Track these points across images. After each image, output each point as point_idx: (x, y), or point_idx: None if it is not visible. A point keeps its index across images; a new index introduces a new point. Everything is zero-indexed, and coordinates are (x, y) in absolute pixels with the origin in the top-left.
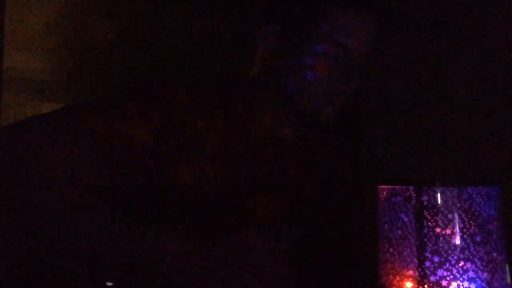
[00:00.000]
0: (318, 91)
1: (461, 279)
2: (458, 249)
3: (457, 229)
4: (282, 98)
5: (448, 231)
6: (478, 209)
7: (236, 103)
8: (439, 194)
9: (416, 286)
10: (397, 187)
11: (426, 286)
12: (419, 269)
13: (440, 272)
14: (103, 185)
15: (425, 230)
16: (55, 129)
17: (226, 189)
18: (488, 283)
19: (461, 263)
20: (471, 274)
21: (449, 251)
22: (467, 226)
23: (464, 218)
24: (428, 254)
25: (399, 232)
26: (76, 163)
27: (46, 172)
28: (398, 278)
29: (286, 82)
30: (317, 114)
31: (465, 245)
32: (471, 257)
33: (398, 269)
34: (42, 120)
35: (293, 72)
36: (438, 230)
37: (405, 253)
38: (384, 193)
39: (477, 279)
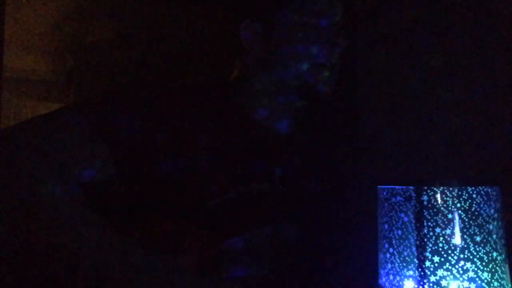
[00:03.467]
0: (311, 62)
1: (461, 279)
2: (458, 249)
3: (457, 229)
4: (276, 91)
5: (448, 231)
6: (478, 209)
7: (230, 101)
8: (439, 194)
9: (416, 286)
10: (397, 187)
11: (426, 286)
12: (419, 269)
13: (440, 272)
14: (95, 181)
15: (425, 230)
16: (50, 127)
17: (221, 187)
18: (488, 283)
19: (461, 263)
20: (471, 274)
21: (449, 251)
22: (467, 226)
23: (464, 218)
24: (428, 254)
25: (399, 232)
26: (69, 160)
27: (40, 170)
28: (398, 278)
29: (279, 69)
30: (317, 88)
31: (465, 245)
32: (471, 257)
33: (398, 269)
34: (37, 121)
35: (282, 56)
36: (438, 230)
37: (405, 253)
38: (384, 193)
39: (477, 279)
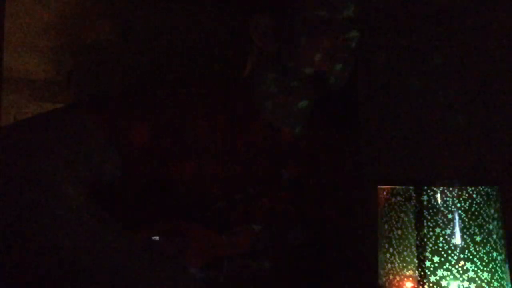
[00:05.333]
0: (324, 56)
1: (461, 279)
2: (458, 249)
3: (457, 229)
4: (287, 90)
5: (448, 231)
6: (478, 209)
7: (237, 101)
8: (439, 194)
9: (416, 286)
10: (397, 187)
11: (426, 286)
12: (419, 269)
13: (440, 272)
14: (104, 183)
15: (425, 230)
16: (57, 127)
17: (229, 188)
18: (488, 283)
19: (461, 263)
20: (471, 274)
21: (449, 251)
22: (467, 226)
23: (464, 218)
24: (428, 254)
25: (399, 232)
26: (77, 162)
27: (47, 171)
28: (398, 278)
29: (291, 64)
30: (329, 81)
31: (465, 245)
32: (471, 257)
33: (398, 269)
34: (44, 119)
35: (294, 51)
36: (438, 230)
37: (405, 253)
38: (384, 193)
39: (477, 279)
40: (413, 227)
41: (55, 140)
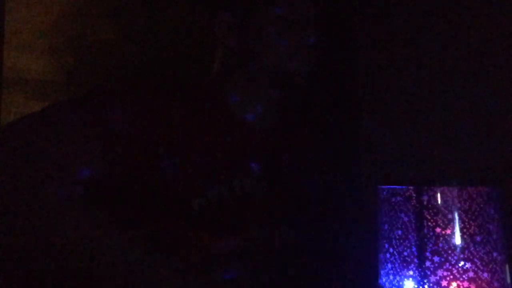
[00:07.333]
0: (286, 53)
1: (461, 279)
2: (458, 249)
3: (457, 229)
4: (253, 85)
5: (448, 231)
6: (478, 209)
7: (207, 99)
8: (439, 194)
9: (416, 286)
10: (397, 187)
11: (426, 286)
12: (419, 269)
13: (440, 272)
14: (91, 178)
15: (425, 230)
16: (44, 125)
17: (204, 183)
18: (488, 283)
19: (461, 263)
20: (471, 274)
21: (449, 251)
22: (467, 226)
23: (464, 218)
24: (428, 254)
25: (399, 232)
26: (64, 158)
27: (34, 168)
28: (398, 278)
29: (254, 61)
30: (291, 78)
31: (465, 245)
32: (471, 257)
33: (398, 269)
34: (31, 119)
35: (256, 48)
36: (438, 230)
37: (405, 253)
38: (384, 193)
39: (477, 279)
40: (413, 227)
41: (43, 140)
